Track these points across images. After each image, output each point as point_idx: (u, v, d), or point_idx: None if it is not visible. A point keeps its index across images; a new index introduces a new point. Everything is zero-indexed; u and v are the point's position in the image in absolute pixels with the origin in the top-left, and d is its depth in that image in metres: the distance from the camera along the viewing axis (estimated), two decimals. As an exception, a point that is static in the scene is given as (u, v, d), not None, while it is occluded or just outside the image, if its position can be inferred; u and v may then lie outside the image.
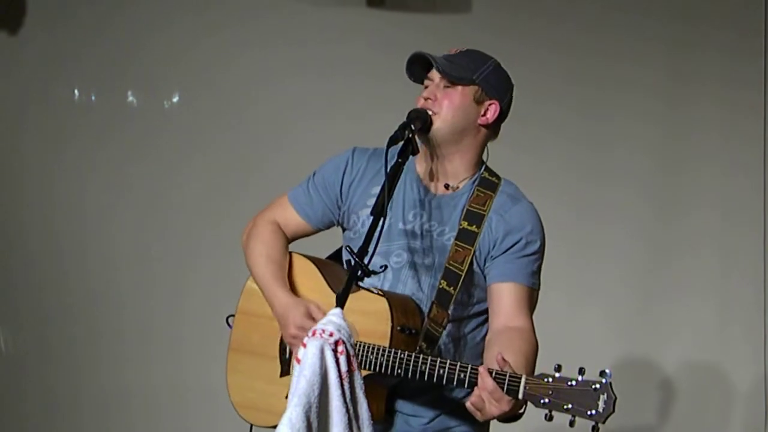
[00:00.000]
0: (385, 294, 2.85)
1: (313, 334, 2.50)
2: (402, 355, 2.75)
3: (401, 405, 2.95)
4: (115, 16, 5.03)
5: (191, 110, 5.06)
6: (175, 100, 5.09)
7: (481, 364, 2.76)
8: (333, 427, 2.46)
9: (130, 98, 5.09)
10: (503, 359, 2.63)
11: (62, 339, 5.06)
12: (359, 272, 2.70)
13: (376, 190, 2.95)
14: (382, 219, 2.74)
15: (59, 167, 5.05)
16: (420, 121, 2.88)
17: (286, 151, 4.90)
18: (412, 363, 2.73)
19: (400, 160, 2.82)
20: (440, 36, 4.89)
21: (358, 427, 2.51)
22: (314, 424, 2.42)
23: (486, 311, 2.96)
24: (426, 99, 2.93)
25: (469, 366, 2.68)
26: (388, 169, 2.80)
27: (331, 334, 2.49)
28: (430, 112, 2.91)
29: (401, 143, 2.85)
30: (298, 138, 4.91)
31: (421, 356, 2.74)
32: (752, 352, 4.95)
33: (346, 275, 2.98)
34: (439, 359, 2.72)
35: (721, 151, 4.98)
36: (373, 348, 2.78)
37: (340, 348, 2.49)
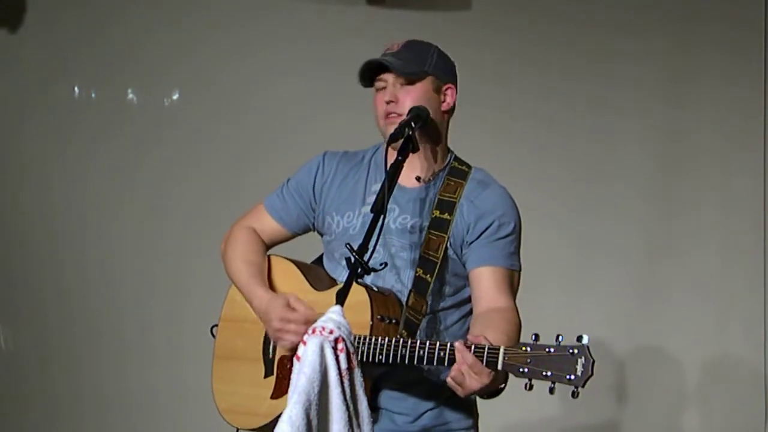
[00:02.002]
0: (365, 285, 2.85)
1: (313, 331, 2.50)
2: (382, 342, 2.75)
3: (386, 402, 2.94)
4: (115, 14, 5.04)
5: (191, 108, 5.07)
6: (175, 97, 5.09)
7: None
8: (333, 425, 2.46)
9: (130, 96, 5.09)
10: (482, 337, 2.63)
11: (62, 338, 5.06)
12: (359, 270, 2.70)
13: (347, 191, 3.01)
14: (382, 217, 2.74)
15: (59, 165, 5.06)
16: (420, 119, 2.89)
17: (286, 150, 4.88)
18: (392, 348, 2.73)
19: (400, 158, 2.83)
20: (440, 34, 4.84)
21: (358, 425, 2.51)
22: (314, 422, 2.42)
23: (467, 301, 2.97)
24: (389, 102, 2.94)
25: (448, 343, 2.67)
26: (388, 167, 2.80)
27: (331, 332, 2.49)
28: (394, 114, 2.93)
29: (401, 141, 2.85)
30: (297, 136, 4.90)
31: (401, 340, 2.74)
32: (752, 351, 4.95)
33: (328, 276, 3.03)
34: (418, 341, 2.72)
35: (722, 150, 4.98)
36: (354, 338, 2.77)
37: (340, 345, 2.49)
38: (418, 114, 2.89)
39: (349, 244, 2.77)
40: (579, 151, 5.03)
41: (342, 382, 2.48)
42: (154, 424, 5.06)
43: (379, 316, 2.81)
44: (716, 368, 4.98)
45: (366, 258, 2.70)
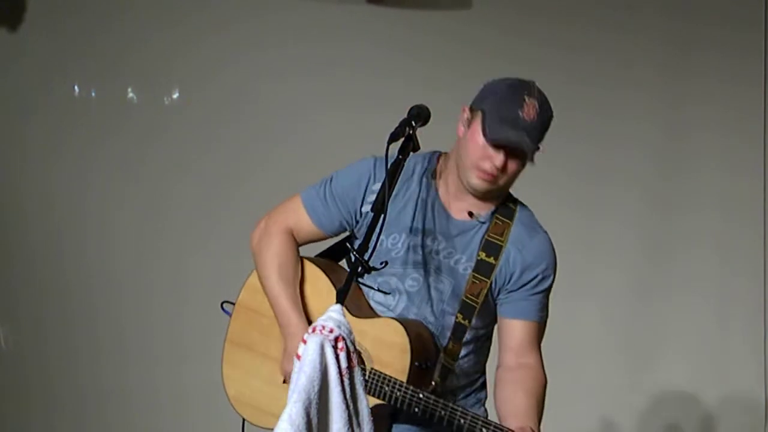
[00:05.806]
0: (402, 324, 2.85)
1: (314, 330, 2.50)
2: (421, 395, 2.78)
3: (401, 429, 2.95)
4: (115, 13, 5.03)
5: (191, 107, 5.07)
6: (175, 96, 5.09)
7: (479, 398, 2.94)
8: (333, 424, 2.45)
9: (130, 94, 5.09)
10: (528, 428, 2.72)
11: (62, 338, 5.06)
12: (359, 269, 2.68)
13: (395, 212, 2.94)
14: (382, 216, 2.71)
15: (59, 164, 5.05)
16: (421, 118, 2.85)
17: (286, 149, 4.90)
18: (431, 405, 2.77)
19: (400, 157, 2.80)
20: (440, 33, 4.90)
21: (358, 424, 2.50)
22: (314, 421, 2.41)
23: (481, 338, 2.99)
24: (501, 168, 2.86)
25: (493, 424, 2.72)
26: (388, 166, 2.77)
27: (331, 331, 2.48)
28: (491, 178, 2.87)
29: (402, 140, 2.82)
30: (297, 135, 4.91)
31: (441, 402, 2.76)
32: (752, 352, 4.96)
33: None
34: (460, 408, 2.76)
35: (721, 150, 4.99)
36: (390, 380, 2.81)
37: (340, 344, 2.48)
38: (419, 113, 2.84)
39: (349, 243, 2.77)
40: (578, 152, 5.02)
41: (342, 381, 2.47)
42: (155, 423, 5.06)
43: (416, 363, 2.82)
44: (716, 368, 4.98)
45: (366, 257, 2.67)
